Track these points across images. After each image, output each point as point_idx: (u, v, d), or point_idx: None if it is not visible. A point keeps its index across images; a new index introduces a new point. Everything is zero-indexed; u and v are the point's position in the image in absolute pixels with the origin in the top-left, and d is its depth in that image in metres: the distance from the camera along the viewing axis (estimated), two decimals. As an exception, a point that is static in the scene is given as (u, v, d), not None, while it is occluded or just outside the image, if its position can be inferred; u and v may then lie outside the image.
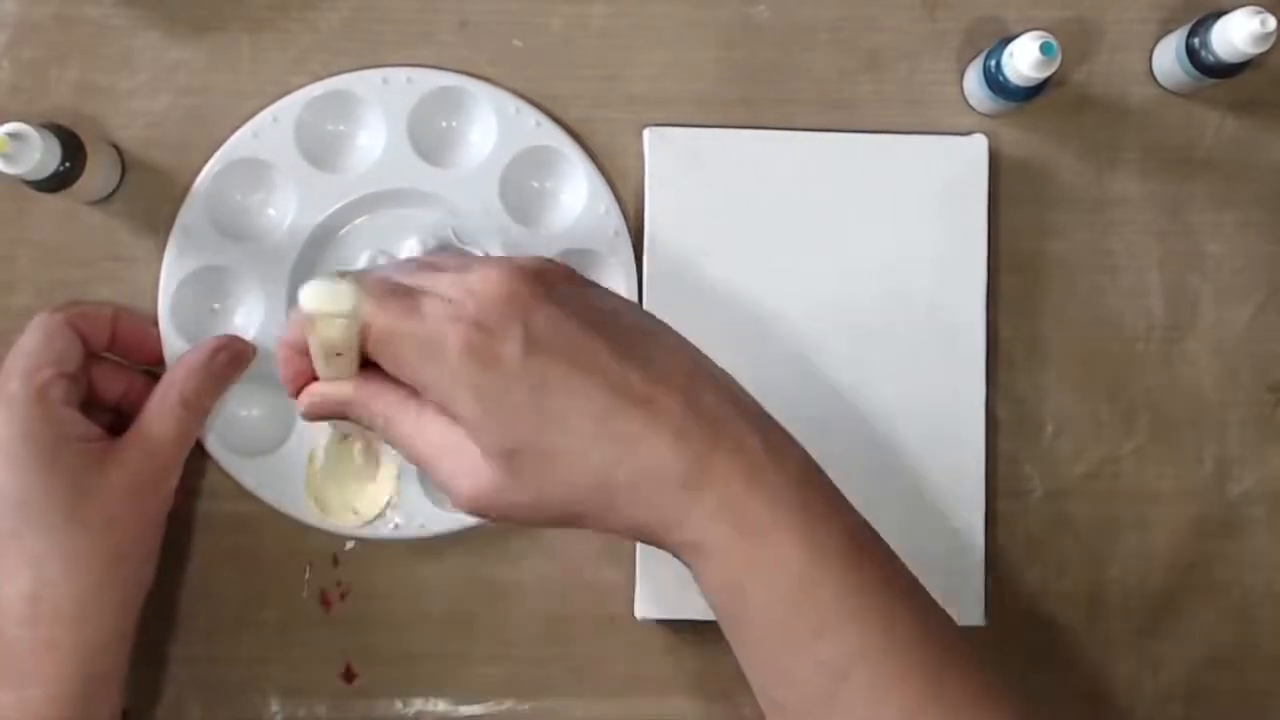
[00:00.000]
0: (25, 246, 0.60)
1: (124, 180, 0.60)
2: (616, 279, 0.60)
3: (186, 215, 0.58)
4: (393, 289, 0.45)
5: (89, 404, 0.56)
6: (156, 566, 0.55)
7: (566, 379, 0.44)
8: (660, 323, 0.49)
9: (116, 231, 0.60)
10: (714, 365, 0.49)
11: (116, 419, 0.57)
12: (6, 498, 0.51)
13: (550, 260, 0.49)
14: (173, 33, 0.60)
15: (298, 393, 0.49)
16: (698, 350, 0.49)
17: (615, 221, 0.60)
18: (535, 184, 0.61)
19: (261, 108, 0.59)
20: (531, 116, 0.60)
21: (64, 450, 0.52)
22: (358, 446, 0.59)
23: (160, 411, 0.55)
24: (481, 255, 0.53)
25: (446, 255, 0.56)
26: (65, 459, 0.52)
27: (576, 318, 0.45)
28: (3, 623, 0.51)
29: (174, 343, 0.58)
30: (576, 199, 0.60)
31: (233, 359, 0.57)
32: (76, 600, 0.51)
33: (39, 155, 0.52)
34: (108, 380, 0.57)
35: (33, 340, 0.54)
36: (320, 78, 0.59)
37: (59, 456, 0.52)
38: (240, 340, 0.58)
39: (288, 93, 0.59)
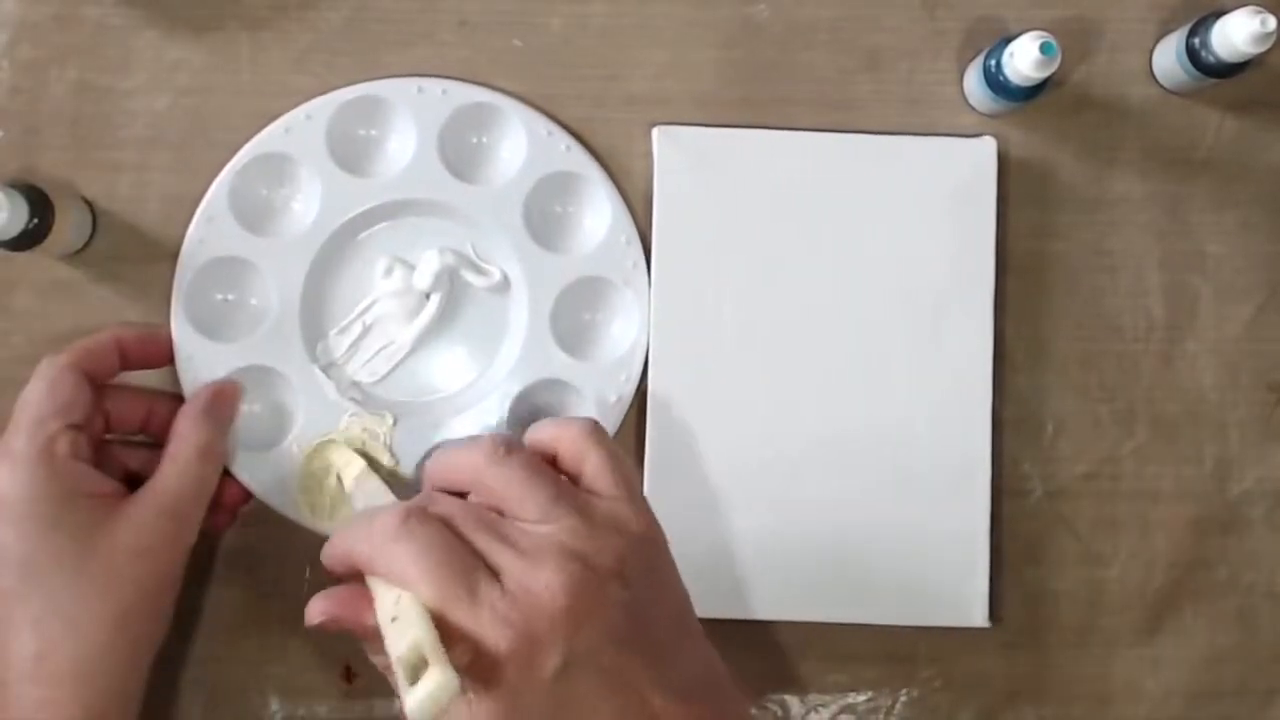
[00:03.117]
0: (25, 246, 0.60)
1: (96, 227, 0.59)
2: (630, 312, 0.60)
3: (211, 205, 0.58)
4: (454, 571, 0.44)
5: (114, 431, 0.56)
6: (168, 625, 0.54)
7: (589, 698, 0.44)
8: (694, 621, 0.49)
9: (116, 230, 0.60)
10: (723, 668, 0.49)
11: (148, 454, 0.56)
12: (13, 557, 0.50)
13: (615, 535, 0.47)
14: (172, 33, 0.60)
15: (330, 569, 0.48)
16: (714, 652, 0.49)
17: (635, 254, 0.60)
18: (559, 209, 0.60)
19: (261, 107, 0.59)
20: (562, 140, 0.59)
21: (70, 508, 0.51)
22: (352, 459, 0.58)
23: (174, 466, 0.54)
24: (567, 516, 0.46)
25: (546, 476, 0.48)
26: (71, 517, 0.51)
27: (617, 635, 0.45)
28: (10, 677, 0.50)
29: (184, 329, 0.58)
30: (599, 227, 0.60)
31: (233, 404, 0.57)
32: (78, 662, 0.50)
33: (5, 215, 0.52)
34: (126, 408, 0.56)
35: (36, 392, 0.53)
36: (320, 77, 0.59)
37: (65, 514, 0.51)
38: (229, 382, 0.57)
39: (287, 92, 0.59)
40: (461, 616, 0.43)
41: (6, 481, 0.51)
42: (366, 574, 0.46)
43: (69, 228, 0.57)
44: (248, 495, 0.58)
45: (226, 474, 0.57)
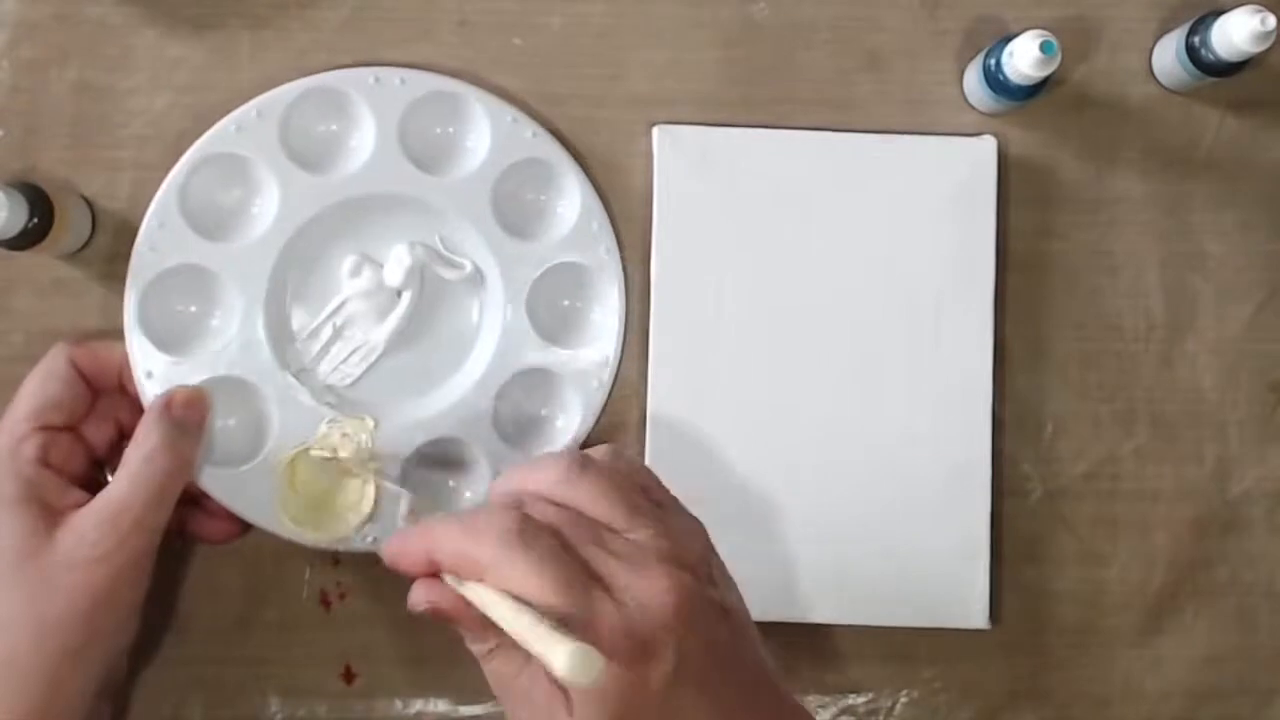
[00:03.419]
0: (25, 246, 0.60)
1: (96, 227, 0.59)
2: (607, 296, 0.60)
3: (160, 211, 0.57)
4: (571, 582, 0.43)
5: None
6: (125, 640, 0.54)
7: (691, 701, 0.44)
8: (750, 617, 0.49)
9: (116, 230, 0.59)
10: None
11: None
12: None
13: (692, 538, 0.47)
14: (172, 31, 0.60)
15: (408, 567, 0.47)
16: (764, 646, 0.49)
17: (607, 238, 0.59)
18: (528, 196, 0.60)
19: (262, 106, 0.59)
20: (528, 127, 0.59)
21: (19, 512, 0.50)
22: (332, 466, 0.57)
23: (121, 473, 0.52)
24: (651, 525, 0.46)
25: (623, 489, 0.48)
26: (17, 520, 0.50)
27: (713, 635, 0.45)
28: None
29: (142, 346, 0.56)
30: (569, 213, 0.59)
31: (188, 403, 0.55)
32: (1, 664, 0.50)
33: (4, 214, 0.52)
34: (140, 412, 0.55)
35: (30, 384, 0.53)
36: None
37: (11, 518, 0.50)
38: (193, 387, 0.55)
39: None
40: (580, 634, 0.42)
41: None
42: (465, 577, 0.45)
43: (69, 227, 0.56)
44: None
45: None
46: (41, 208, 0.55)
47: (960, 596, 0.59)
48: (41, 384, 0.53)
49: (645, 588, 0.44)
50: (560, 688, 0.43)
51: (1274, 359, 0.62)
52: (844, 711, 0.61)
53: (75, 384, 0.54)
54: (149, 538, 0.52)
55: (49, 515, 0.51)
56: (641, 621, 0.43)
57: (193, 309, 0.58)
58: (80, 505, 0.52)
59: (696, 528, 0.48)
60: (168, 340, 0.57)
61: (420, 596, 0.46)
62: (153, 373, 0.56)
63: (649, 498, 0.48)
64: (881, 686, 0.61)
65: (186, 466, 0.54)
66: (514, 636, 0.42)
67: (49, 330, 0.58)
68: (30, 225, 0.54)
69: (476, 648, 0.46)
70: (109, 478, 0.55)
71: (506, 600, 0.43)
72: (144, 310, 0.57)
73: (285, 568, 0.59)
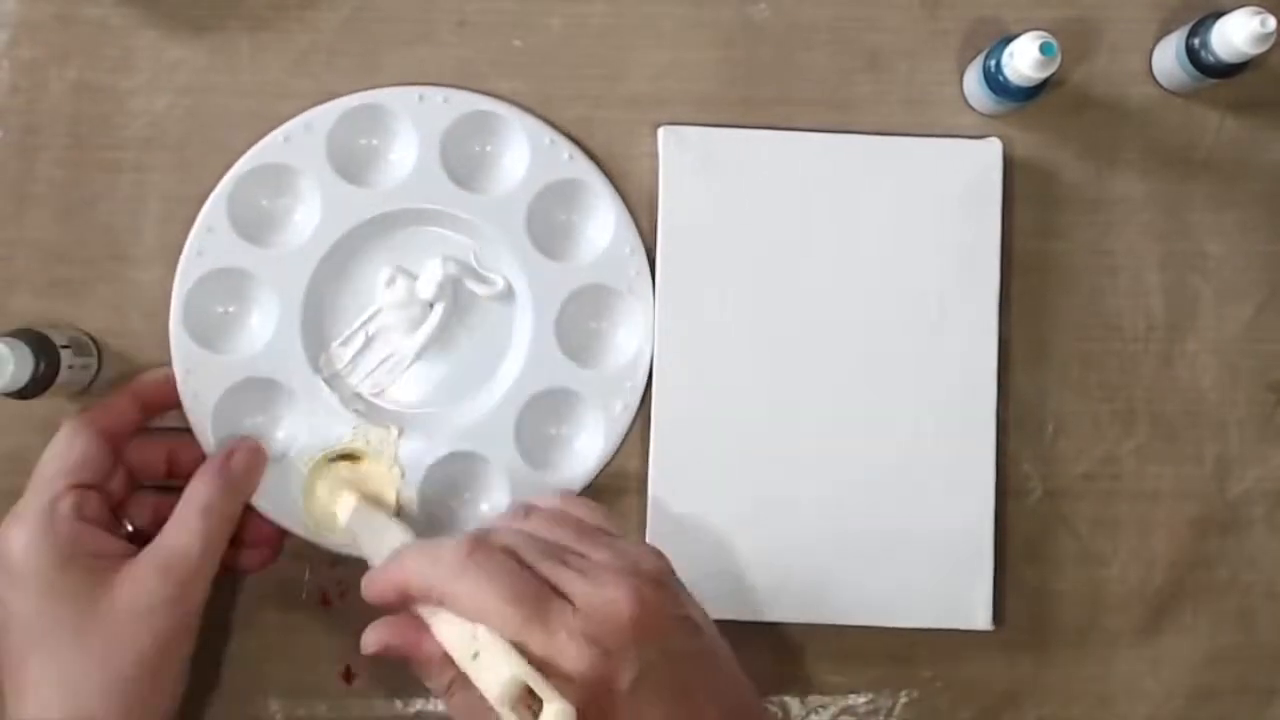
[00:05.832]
0: (24, 246, 0.59)
1: (101, 373, 0.59)
2: (635, 320, 0.60)
3: (210, 215, 0.58)
4: (525, 593, 0.45)
5: (141, 480, 0.56)
6: (181, 689, 0.53)
7: (658, 708, 0.45)
8: (722, 639, 0.50)
9: (117, 231, 0.60)
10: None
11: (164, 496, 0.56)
12: (16, 619, 0.50)
13: (647, 557, 0.49)
14: (172, 32, 0.60)
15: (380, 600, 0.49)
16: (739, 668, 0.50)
17: (639, 262, 0.59)
18: (563, 217, 0.60)
19: (261, 107, 0.59)
20: (565, 149, 0.59)
21: (70, 569, 0.50)
22: (354, 471, 0.58)
23: (178, 524, 0.53)
24: (604, 549, 0.49)
25: (569, 523, 0.51)
26: (69, 580, 0.50)
27: (677, 646, 0.46)
28: None
29: (183, 341, 0.57)
30: (602, 235, 0.60)
31: (247, 462, 0.56)
32: None
33: (11, 369, 0.51)
34: (146, 457, 0.56)
35: (52, 450, 0.54)
36: (320, 78, 0.59)
37: (63, 576, 0.50)
38: (253, 442, 0.57)
39: (287, 93, 0.59)
40: (540, 643, 0.44)
41: (14, 543, 0.51)
42: (427, 606, 0.47)
43: (76, 368, 0.56)
44: (281, 533, 0.58)
45: (253, 512, 0.57)
46: (47, 354, 0.54)
47: (964, 597, 0.59)
48: (68, 444, 0.53)
49: (603, 597, 0.45)
50: (527, 708, 0.43)
51: (1274, 359, 0.62)
52: (844, 711, 0.61)
53: (95, 442, 0.54)
54: (206, 588, 0.53)
55: (100, 569, 0.51)
56: (601, 628, 0.44)
57: (231, 310, 0.59)
58: (125, 555, 0.52)
59: (653, 551, 0.50)
60: (207, 339, 0.58)
61: (373, 638, 0.48)
62: (193, 371, 0.57)
63: (603, 531, 0.51)
64: (881, 686, 0.61)
65: (236, 518, 0.55)
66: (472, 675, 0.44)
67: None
68: (38, 374, 0.53)
69: (434, 684, 0.47)
70: (128, 527, 0.55)
71: (462, 631, 0.45)
72: (188, 311, 0.58)
73: (285, 568, 0.59)
